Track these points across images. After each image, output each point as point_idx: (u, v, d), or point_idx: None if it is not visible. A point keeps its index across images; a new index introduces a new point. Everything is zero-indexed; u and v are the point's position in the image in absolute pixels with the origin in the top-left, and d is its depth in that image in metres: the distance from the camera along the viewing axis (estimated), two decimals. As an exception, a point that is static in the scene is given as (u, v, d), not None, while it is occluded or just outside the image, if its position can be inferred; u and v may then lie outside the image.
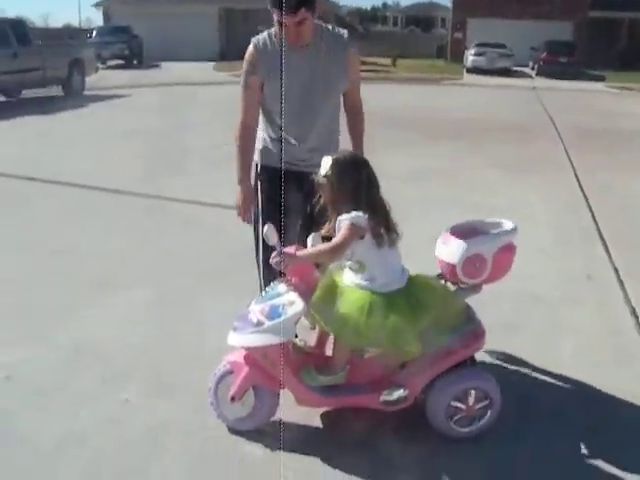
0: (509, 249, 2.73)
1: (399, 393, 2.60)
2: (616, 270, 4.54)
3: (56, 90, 15.18)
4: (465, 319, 2.66)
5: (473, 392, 2.64)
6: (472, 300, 2.76)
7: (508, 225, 2.75)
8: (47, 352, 3.38)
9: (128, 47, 26.84)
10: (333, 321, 2.55)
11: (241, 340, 2.60)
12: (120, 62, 26.93)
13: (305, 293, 2.59)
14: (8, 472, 2.51)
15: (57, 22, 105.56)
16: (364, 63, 28.24)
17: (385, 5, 77.02)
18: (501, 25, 29.30)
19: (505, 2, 29.35)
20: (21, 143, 9.30)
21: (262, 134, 3.14)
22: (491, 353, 3.28)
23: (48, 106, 13.33)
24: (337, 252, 2.51)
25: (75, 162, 7.91)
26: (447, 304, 2.62)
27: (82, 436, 2.71)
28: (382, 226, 2.50)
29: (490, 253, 2.65)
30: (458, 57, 29.29)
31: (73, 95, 15.02)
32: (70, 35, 15.92)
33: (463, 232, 2.75)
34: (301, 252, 2.58)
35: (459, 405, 2.64)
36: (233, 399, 2.63)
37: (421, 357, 2.55)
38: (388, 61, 28.16)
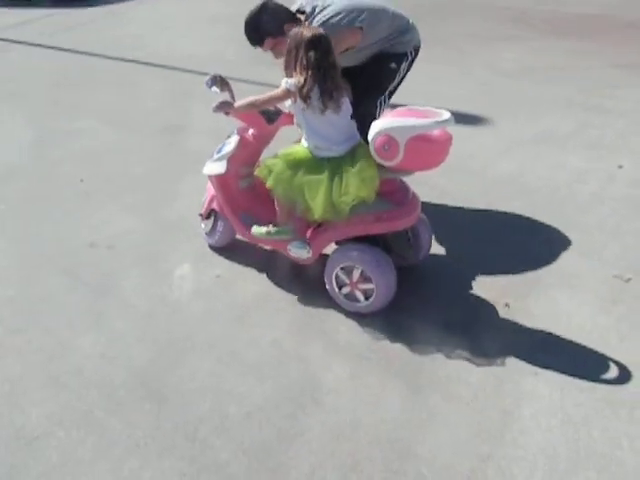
0: (430, 140, 2.50)
1: (303, 249, 2.88)
2: None
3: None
4: (379, 199, 2.65)
5: (357, 269, 2.74)
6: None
7: (443, 116, 2.50)
8: (150, 225, 3.58)
9: None
10: (269, 169, 2.77)
11: (204, 168, 3.11)
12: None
13: (259, 140, 3.10)
14: (105, 329, 2.73)
15: None
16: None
17: None
18: None
19: None
20: (130, 25, 9.45)
21: None
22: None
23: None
24: (259, 105, 2.83)
25: (179, 45, 7.98)
26: (365, 180, 2.60)
27: (174, 304, 2.90)
28: (313, 94, 2.61)
29: (403, 138, 2.47)
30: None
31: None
32: None
33: (397, 114, 2.60)
34: (237, 102, 2.86)
35: (344, 277, 2.79)
36: (201, 216, 3.27)
37: (328, 222, 2.75)
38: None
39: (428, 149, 2.54)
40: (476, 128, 5.12)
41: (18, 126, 5.16)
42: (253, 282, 3.05)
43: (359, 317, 2.79)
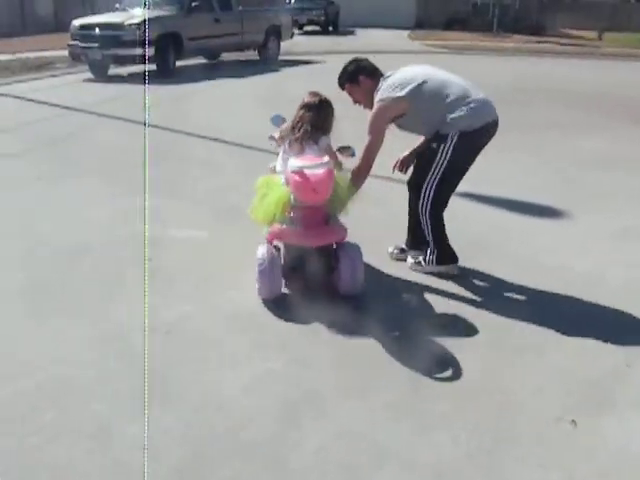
0: (301, 175, 3.35)
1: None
2: None
3: (252, 54, 15.87)
4: (290, 219, 3.56)
5: None
6: None
7: (322, 161, 3.42)
8: (207, 312, 3.55)
9: (325, 13, 27.35)
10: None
11: None
12: (316, 28, 27.56)
13: None
14: (151, 420, 2.65)
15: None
16: (568, 37, 26.70)
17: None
18: None
19: None
20: (217, 103, 9.85)
21: None
22: None
23: (243, 69, 13.98)
24: (277, 139, 3.79)
25: (258, 125, 8.16)
26: (278, 204, 3.53)
27: (224, 397, 2.81)
28: (286, 140, 3.67)
29: (289, 174, 3.43)
30: (676, 31, 26.46)
31: (268, 60, 15.60)
32: (271, 1, 16.29)
33: (301, 157, 3.51)
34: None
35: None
36: None
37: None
38: (594, 34, 26.25)
39: (299, 183, 3.38)
40: (551, 221, 4.95)
41: (92, 203, 5.31)
42: (306, 378, 2.94)
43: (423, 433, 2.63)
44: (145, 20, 12.45)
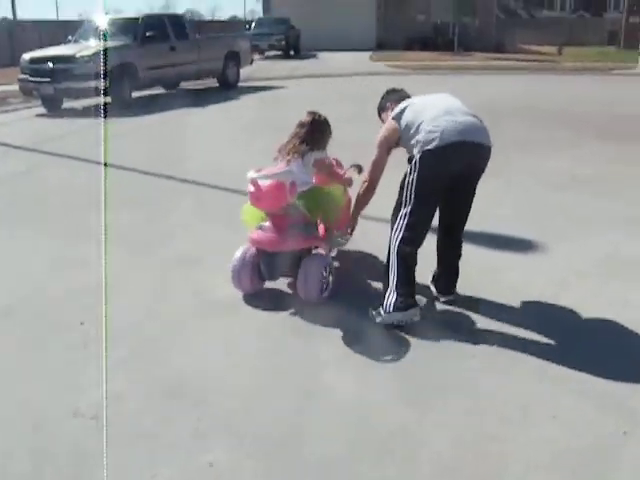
0: (253, 184, 3.62)
1: None
2: None
3: (211, 82, 15.55)
4: (259, 224, 3.86)
5: None
6: None
7: (280, 171, 3.73)
8: (143, 389, 3.08)
9: (285, 38, 27.23)
10: None
11: None
12: (278, 53, 27.43)
13: None
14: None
15: (224, 15, 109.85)
16: (528, 52, 26.88)
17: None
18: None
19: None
20: (169, 137, 9.44)
21: None
22: None
23: (202, 99, 13.61)
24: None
25: (216, 159, 7.80)
26: (251, 209, 3.93)
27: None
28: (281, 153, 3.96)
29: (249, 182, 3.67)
30: (633, 43, 26.67)
31: (227, 87, 15.30)
32: (231, 27, 16.06)
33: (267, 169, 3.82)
34: None
35: None
36: None
37: None
38: (554, 49, 26.49)
39: (250, 191, 3.66)
40: (524, 255, 4.60)
41: (29, 253, 4.86)
42: (248, 473, 2.50)
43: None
44: (98, 52, 12.09)
